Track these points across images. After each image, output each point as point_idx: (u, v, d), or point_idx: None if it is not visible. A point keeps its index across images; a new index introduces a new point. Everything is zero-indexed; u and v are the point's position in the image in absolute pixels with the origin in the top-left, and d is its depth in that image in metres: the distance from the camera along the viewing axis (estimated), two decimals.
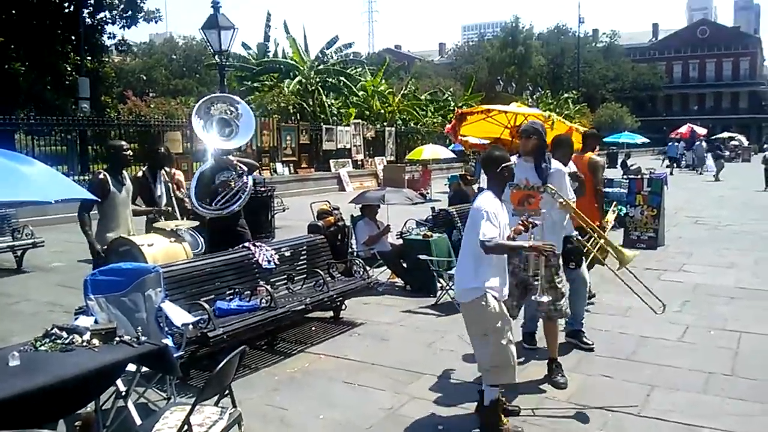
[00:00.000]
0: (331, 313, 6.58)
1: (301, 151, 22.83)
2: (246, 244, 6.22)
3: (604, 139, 30.91)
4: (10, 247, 9.48)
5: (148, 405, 4.25)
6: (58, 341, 3.38)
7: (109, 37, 27.22)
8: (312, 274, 6.42)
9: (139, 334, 3.62)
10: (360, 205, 8.72)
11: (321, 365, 5.28)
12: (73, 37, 24.35)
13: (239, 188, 6.58)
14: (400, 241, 8.46)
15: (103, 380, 3.38)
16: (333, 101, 27.90)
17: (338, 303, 6.49)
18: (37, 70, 23.05)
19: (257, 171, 11.81)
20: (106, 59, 28.66)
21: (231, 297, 5.50)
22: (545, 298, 4.51)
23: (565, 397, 4.56)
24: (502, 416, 3.97)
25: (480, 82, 48.00)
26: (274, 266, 6.08)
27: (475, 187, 12.35)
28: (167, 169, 6.69)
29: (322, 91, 26.67)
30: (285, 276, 6.25)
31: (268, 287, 5.66)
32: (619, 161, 30.02)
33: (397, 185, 17.00)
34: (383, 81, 31.58)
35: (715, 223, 13.42)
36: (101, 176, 5.72)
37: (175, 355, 3.96)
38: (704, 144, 33.19)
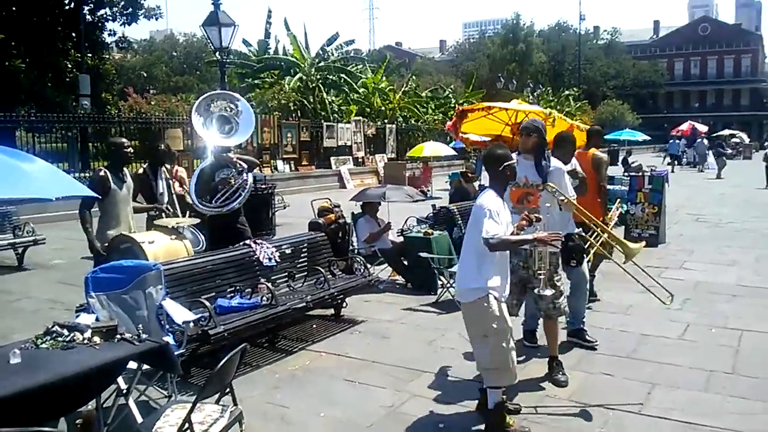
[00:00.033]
0: (332, 311, 6.58)
1: (302, 149, 22.83)
2: (247, 241, 6.22)
3: (605, 137, 30.86)
4: (11, 245, 9.49)
5: (149, 403, 4.24)
6: (59, 339, 3.38)
7: (109, 34, 27.29)
8: (313, 272, 6.42)
9: (140, 331, 3.61)
10: (361, 203, 8.71)
11: (322, 363, 5.28)
12: (73, 34, 24.36)
13: (239, 186, 6.59)
14: (401, 239, 8.45)
15: (104, 378, 3.38)
16: (334, 98, 27.90)
17: (339, 300, 6.49)
18: (37, 67, 23.06)
19: (257, 168, 11.83)
20: (107, 56, 28.69)
21: (232, 294, 5.50)
22: (548, 292, 4.52)
23: (566, 396, 4.56)
24: (508, 416, 3.96)
25: (481, 79, 47.97)
26: (275, 264, 6.08)
27: (476, 184, 12.33)
28: (167, 166, 6.69)
29: (322, 88, 26.66)
30: (286, 273, 6.25)
31: (269, 285, 5.66)
32: (620, 158, 29.98)
33: (397, 182, 16.95)
34: (384, 78, 31.56)
35: (717, 221, 13.41)
36: (102, 173, 5.72)
37: (176, 353, 3.95)
38: (706, 141, 33.15)
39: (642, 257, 7.45)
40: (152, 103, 20.75)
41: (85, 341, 3.39)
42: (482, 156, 4.30)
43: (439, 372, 5.03)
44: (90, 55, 24.32)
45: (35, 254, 9.78)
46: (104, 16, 26.07)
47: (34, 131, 16.54)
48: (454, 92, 38.76)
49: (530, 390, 4.63)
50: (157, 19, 27.88)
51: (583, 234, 5.48)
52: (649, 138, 41.86)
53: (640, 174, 11.90)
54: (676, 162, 33.04)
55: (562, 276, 4.89)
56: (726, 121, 61.08)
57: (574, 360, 5.21)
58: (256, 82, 27.20)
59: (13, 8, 22.59)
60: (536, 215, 4.15)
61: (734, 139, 43.38)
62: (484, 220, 3.78)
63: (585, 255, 5.53)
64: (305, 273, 6.47)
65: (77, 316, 4.13)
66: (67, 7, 24.38)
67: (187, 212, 7.02)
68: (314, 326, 6.26)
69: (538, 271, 4.34)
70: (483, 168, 4.86)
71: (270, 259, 6.04)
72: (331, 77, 27.36)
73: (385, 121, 28.80)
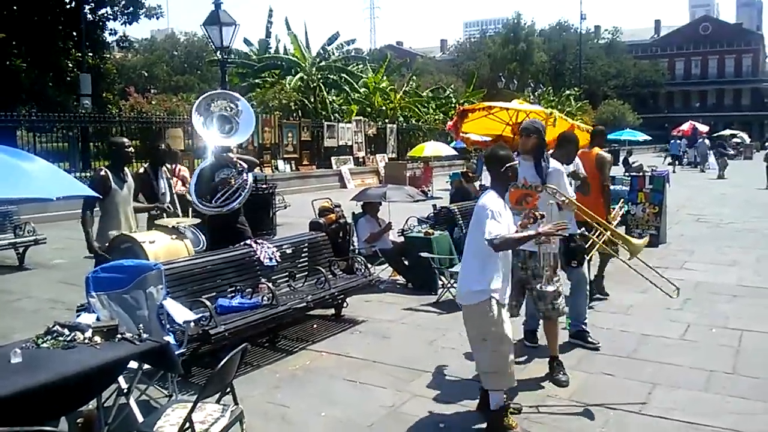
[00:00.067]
0: (332, 311, 6.58)
1: (303, 148, 22.83)
2: (248, 241, 6.22)
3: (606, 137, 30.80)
4: (12, 244, 9.49)
5: (150, 402, 4.24)
6: (60, 338, 3.38)
7: (110, 34, 27.31)
8: (313, 272, 6.42)
9: (141, 331, 3.62)
10: (361, 203, 8.71)
11: (322, 363, 5.29)
12: (74, 34, 24.37)
13: (239, 185, 6.59)
14: (402, 239, 8.46)
15: (104, 377, 3.38)
16: (334, 98, 27.90)
17: (340, 300, 6.49)
18: (38, 66, 23.07)
19: (257, 168, 11.83)
20: (108, 56, 28.70)
21: (232, 294, 5.50)
22: (551, 288, 4.51)
23: (566, 396, 4.56)
24: (511, 418, 3.96)
25: (482, 78, 47.94)
26: (275, 264, 6.08)
27: (477, 184, 12.33)
28: (168, 166, 6.69)
29: (323, 87, 26.67)
30: (286, 273, 6.26)
31: (270, 284, 5.67)
32: (621, 158, 29.97)
33: (398, 182, 16.94)
34: (385, 78, 31.55)
35: (717, 221, 13.40)
36: (102, 173, 5.73)
37: (176, 353, 3.96)
38: (707, 141, 33.12)
39: (643, 257, 7.48)
40: (153, 102, 20.75)
41: (86, 341, 3.39)
42: (484, 156, 4.29)
43: (439, 372, 5.03)
44: (91, 54, 24.33)
45: (36, 254, 9.78)
46: (105, 15, 26.10)
47: (35, 131, 16.55)
48: (455, 92, 38.75)
49: (531, 390, 4.63)
50: (158, 18, 27.89)
51: (586, 233, 5.49)
52: (649, 138, 41.82)
53: (641, 174, 11.89)
54: (677, 162, 33.02)
55: (560, 277, 4.89)
56: (727, 121, 61.05)
57: (575, 360, 5.21)
58: (256, 81, 27.19)
59: (14, 7, 22.60)
60: (540, 212, 4.14)
61: (735, 139, 43.34)
62: (486, 221, 3.76)
63: (586, 256, 5.53)
64: (306, 273, 6.47)
65: (78, 316, 4.13)
66: (68, 7, 24.40)
67: (189, 211, 7.02)
68: (315, 326, 6.26)
69: (545, 268, 4.32)
70: (484, 168, 4.87)
71: (271, 258, 6.04)
72: (331, 77, 27.37)
73: (386, 120, 28.80)
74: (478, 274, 3.90)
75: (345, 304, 6.64)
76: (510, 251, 4.07)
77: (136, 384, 3.90)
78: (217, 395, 3.43)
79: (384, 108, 29.91)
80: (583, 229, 5.55)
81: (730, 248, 10.21)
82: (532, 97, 40.11)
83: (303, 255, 6.60)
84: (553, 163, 4.90)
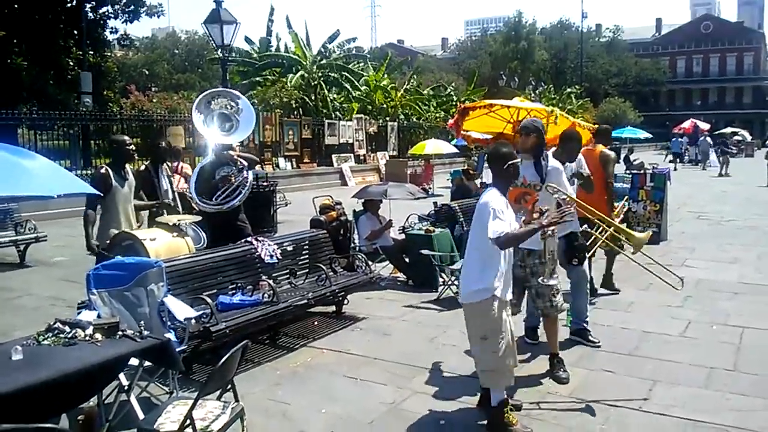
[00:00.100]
0: (333, 308, 6.59)
1: (304, 146, 22.83)
2: (248, 238, 6.23)
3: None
4: (13, 242, 9.50)
5: (151, 399, 4.26)
6: (61, 335, 3.39)
7: (111, 32, 27.36)
8: (314, 269, 6.43)
9: (142, 328, 3.63)
10: (362, 200, 8.71)
11: (323, 360, 5.29)
12: (75, 32, 24.38)
13: (239, 183, 6.59)
14: (403, 236, 8.46)
15: (105, 374, 3.39)
16: (335, 96, 27.90)
17: (340, 298, 6.50)
18: (39, 65, 23.08)
19: (258, 166, 11.82)
20: (109, 54, 28.74)
21: (233, 291, 5.51)
22: (553, 281, 4.51)
23: (567, 392, 4.56)
24: (512, 415, 3.96)
25: (483, 76, 47.93)
26: (276, 261, 6.09)
27: (478, 181, 12.32)
28: (169, 164, 6.69)
29: (324, 85, 26.66)
30: (287, 271, 6.26)
31: (271, 282, 5.67)
32: (622, 156, 29.94)
33: (399, 180, 16.95)
34: (386, 76, 31.53)
35: (718, 219, 13.39)
36: (103, 171, 5.74)
37: (177, 350, 3.97)
38: (709, 139, 33.08)
39: (645, 253, 7.49)
40: (154, 100, 20.77)
41: (87, 338, 3.40)
42: (487, 154, 4.29)
43: (440, 369, 5.04)
44: (92, 52, 24.34)
45: (37, 251, 9.79)
46: (106, 13, 26.12)
47: (36, 129, 16.56)
48: (455, 90, 38.71)
49: (532, 387, 4.63)
50: (158, 16, 27.96)
51: (589, 230, 5.49)
52: (650, 136, 41.79)
53: (642, 172, 11.88)
54: (678, 160, 32.98)
55: (558, 274, 4.89)
56: (728, 119, 60.95)
57: (576, 357, 5.21)
58: (258, 79, 27.19)
59: (15, 6, 22.61)
60: (543, 207, 4.13)
61: (736, 137, 43.24)
62: (489, 220, 3.74)
63: (587, 254, 5.54)
64: (307, 270, 6.48)
65: (79, 313, 4.14)
66: (68, 5, 24.41)
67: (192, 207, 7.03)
68: (315, 323, 6.26)
69: (549, 262, 4.32)
70: (485, 165, 4.87)
71: (272, 256, 6.05)
72: (332, 75, 27.35)
73: (387, 118, 28.79)
74: (480, 272, 3.89)
75: (346, 302, 6.65)
76: (511, 249, 4.06)
77: (137, 381, 3.91)
78: (218, 392, 3.43)
79: (385, 106, 29.90)
80: (586, 226, 5.57)
81: (731, 246, 10.20)
82: (533, 95, 40.05)
83: (304, 252, 6.60)
84: (552, 162, 4.91)
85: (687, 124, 37.73)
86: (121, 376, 3.77)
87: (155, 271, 4.55)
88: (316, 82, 26.25)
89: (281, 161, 21.60)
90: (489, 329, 3.89)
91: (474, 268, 3.96)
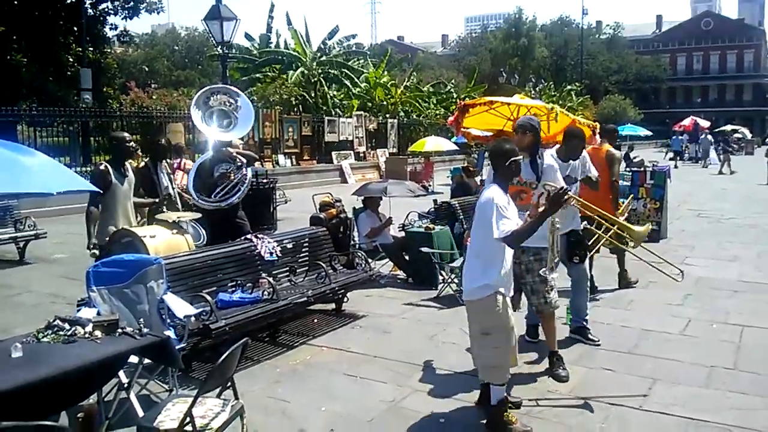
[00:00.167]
0: (333, 306, 6.59)
1: (303, 143, 22.80)
2: (248, 236, 6.22)
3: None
4: (13, 239, 9.49)
5: (151, 397, 4.26)
6: (61, 333, 3.38)
7: (111, 28, 27.24)
8: (314, 267, 6.42)
9: (142, 325, 3.62)
10: (362, 198, 8.71)
11: (323, 357, 5.29)
12: (75, 28, 24.33)
13: (239, 180, 6.59)
14: (403, 234, 8.46)
15: (105, 372, 3.39)
16: (335, 93, 27.87)
17: (340, 295, 6.49)
18: (39, 61, 23.04)
19: (258, 163, 11.82)
20: (109, 50, 28.68)
21: (233, 289, 5.50)
22: (555, 275, 4.51)
23: (566, 391, 4.56)
24: (511, 414, 3.96)
25: (483, 73, 47.89)
26: (276, 258, 6.08)
27: (478, 179, 12.32)
28: (169, 161, 6.69)
29: (324, 82, 26.62)
30: (287, 268, 6.26)
31: (270, 279, 5.67)
32: (623, 154, 29.87)
33: (399, 177, 16.94)
34: (386, 72, 31.49)
35: (718, 216, 13.39)
36: (103, 167, 5.73)
37: (177, 347, 3.96)
38: (710, 137, 33.06)
39: (644, 253, 7.50)
40: (154, 97, 20.73)
41: (87, 335, 3.40)
42: (489, 150, 4.26)
43: (440, 367, 5.03)
44: (91, 49, 24.28)
45: (36, 248, 9.79)
46: (106, 10, 26.05)
47: (36, 125, 16.53)
48: (456, 87, 38.67)
49: (531, 385, 4.63)
50: (158, 13, 27.84)
51: (589, 227, 5.49)
52: (651, 133, 41.74)
53: (642, 169, 11.88)
54: (678, 158, 32.95)
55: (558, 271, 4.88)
56: (728, 117, 60.84)
57: (575, 355, 5.21)
58: (257, 76, 27.16)
59: (15, 2, 22.56)
60: (549, 189, 4.12)
61: (736, 135, 43.20)
62: (494, 219, 3.70)
63: (588, 252, 5.53)
64: (306, 268, 6.47)
65: (78, 310, 4.14)
66: (68, 1, 24.34)
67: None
68: (315, 321, 6.26)
69: (555, 256, 4.32)
70: (485, 163, 4.88)
71: (271, 253, 6.05)
72: (332, 72, 27.32)
73: (387, 115, 28.75)
74: (483, 269, 3.88)
75: (345, 299, 6.64)
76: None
77: (136, 378, 3.91)
78: (218, 390, 3.43)
79: (385, 103, 29.86)
80: (585, 223, 5.56)
81: (731, 244, 10.20)
82: (533, 92, 40.11)
83: (303, 250, 6.60)
84: (548, 160, 4.91)
85: (687, 122, 37.68)
86: (121, 373, 3.77)
87: (155, 268, 4.55)
88: (315, 79, 26.22)
89: (281, 158, 21.58)
90: (492, 325, 3.89)
91: (476, 265, 3.95)
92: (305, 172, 21.99)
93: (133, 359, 3.71)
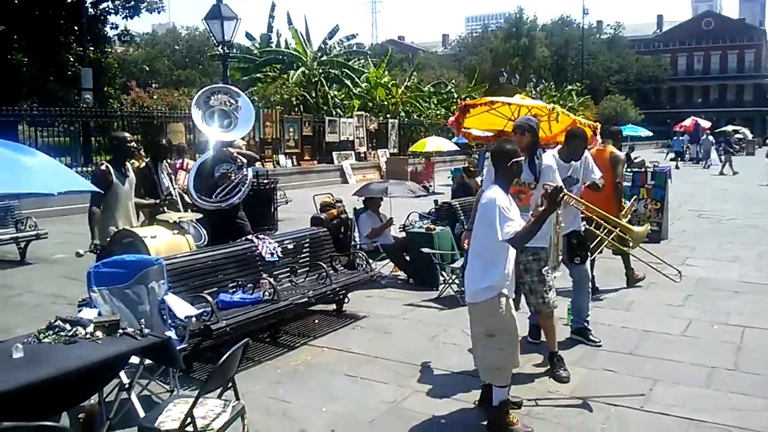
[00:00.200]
0: (333, 306, 6.58)
1: (304, 143, 22.80)
2: (249, 236, 6.22)
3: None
4: (14, 239, 9.50)
5: (152, 397, 4.26)
6: (62, 333, 3.38)
7: (111, 28, 27.29)
8: (315, 267, 6.42)
9: (143, 326, 3.62)
10: (363, 198, 8.71)
11: (324, 358, 5.29)
12: (75, 28, 24.34)
13: (239, 180, 6.59)
14: (403, 234, 8.45)
15: (106, 372, 3.39)
16: (336, 93, 27.87)
17: (341, 296, 6.49)
18: (40, 61, 23.05)
19: (258, 163, 11.83)
20: (109, 50, 28.70)
21: (234, 289, 5.50)
22: (558, 273, 4.51)
23: (567, 391, 4.56)
24: (512, 415, 3.96)
25: (483, 73, 47.85)
26: (277, 259, 6.08)
27: (479, 179, 12.30)
28: (169, 161, 6.69)
29: (325, 82, 26.63)
30: (288, 269, 6.26)
31: (271, 280, 5.67)
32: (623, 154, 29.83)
33: (400, 178, 16.96)
34: (386, 72, 31.49)
35: (719, 217, 13.38)
36: (103, 167, 5.73)
37: (178, 348, 3.96)
38: (711, 138, 33.04)
39: (645, 254, 7.51)
40: (155, 97, 20.75)
41: (88, 336, 3.40)
42: (491, 151, 4.25)
43: (441, 367, 5.03)
44: (92, 48, 24.30)
45: (37, 248, 9.79)
46: (106, 9, 26.08)
47: (37, 125, 16.54)
48: (456, 87, 38.67)
49: (532, 386, 4.63)
50: (159, 12, 27.87)
51: (591, 228, 5.49)
52: (651, 134, 41.72)
53: (643, 170, 11.87)
54: (679, 158, 32.94)
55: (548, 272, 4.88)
56: (729, 117, 60.79)
57: (576, 356, 5.21)
58: (258, 76, 27.18)
59: (15, 2, 22.57)
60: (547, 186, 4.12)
61: (737, 135, 43.16)
62: (497, 222, 3.69)
63: (589, 253, 5.54)
64: (307, 268, 6.47)
65: (80, 311, 4.14)
66: (69, 1, 24.35)
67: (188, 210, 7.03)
68: (316, 321, 6.26)
69: (560, 254, 4.31)
70: (485, 163, 4.88)
71: (272, 254, 6.05)
72: (333, 71, 27.33)
73: (388, 115, 28.75)
74: (484, 269, 3.88)
75: (346, 300, 6.64)
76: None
77: (137, 379, 3.91)
78: (219, 390, 3.43)
79: (385, 103, 29.86)
80: (584, 223, 5.56)
81: (732, 244, 10.19)
82: (534, 92, 40.10)
83: (304, 250, 6.60)
84: (546, 160, 4.91)
85: (688, 122, 37.68)
86: (122, 374, 3.76)
87: (156, 268, 4.55)
88: (316, 79, 26.22)
89: (282, 158, 21.58)
90: (496, 327, 3.88)
91: (478, 267, 3.94)
92: (306, 172, 21.99)
93: (134, 360, 3.71)
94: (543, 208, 3.81)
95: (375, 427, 4.11)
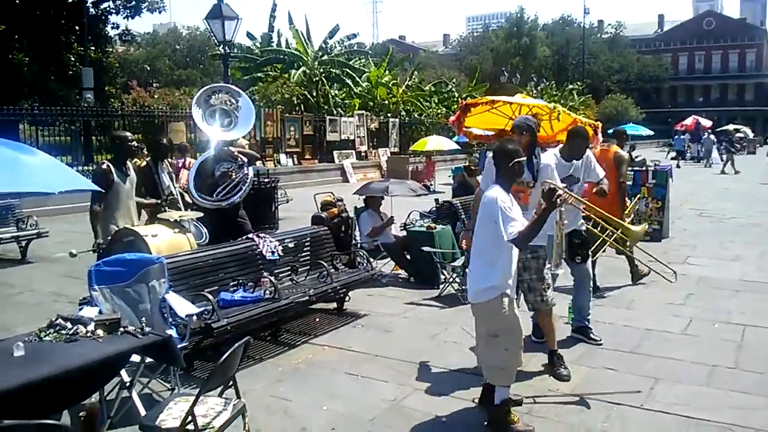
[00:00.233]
0: (334, 305, 6.59)
1: (305, 142, 22.80)
2: (250, 235, 6.22)
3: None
4: (15, 238, 9.51)
5: (152, 396, 4.26)
6: (63, 332, 3.39)
7: (112, 27, 27.28)
8: (316, 266, 6.43)
9: (143, 324, 3.63)
10: (364, 197, 8.71)
11: (324, 356, 5.29)
12: (76, 28, 24.34)
13: (240, 180, 6.60)
14: (404, 233, 8.45)
15: (107, 371, 3.39)
16: (337, 92, 27.87)
17: (342, 294, 6.49)
18: (40, 60, 23.06)
19: (259, 162, 11.83)
20: (110, 49, 28.69)
21: (235, 288, 5.51)
22: (560, 271, 4.51)
23: (568, 390, 4.56)
24: (513, 413, 3.96)
25: (484, 73, 47.86)
26: (277, 257, 6.08)
27: (479, 178, 12.29)
28: (170, 160, 6.70)
29: (326, 82, 26.63)
30: (289, 267, 6.26)
31: (272, 278, 5.67)
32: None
33: (400, 177, 16.94)
34: (387, 72, 31.48)
35: (720, 216, 13.37)
36: (105, 167, 5.73)
37: (179, 346, 3.97)
38: (712, 137, 33.02)
39: (640, 254, 7.51)
40: (155, 96, 20.74)
41: (89, 334, 3.40)
42: (493, 151, 4.25)
43: (441, 366, 5.03)
44: (93, 48, 24.31)
45: (38, 247, 9.80)
46: (107, 9, 26.08)
47: (38, 124, 16.55)
48: (457, 86, 38.66)
49: (533, 384, 4.63)
50: (160, 12, 27.86)
51: (592, 228, 5.49)
52: (652, 133, 41.68)
53: (644, 169, 11.87)
54: (680, 157, 32.92)
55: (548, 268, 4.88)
56: (730, 116, 60.75)
57: (577, 354, 5.21)
58: (259, 75, 27.18)
59: (17, 1, 22.59)
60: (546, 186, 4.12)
61: (738, 134, 43.11)
62: (501, 223, 3.68)
63: (590, 252, 5.53)
64: (308, 267, 6.48)
65: (80, 309, 4.15)
66: (70, 1, 24.36)
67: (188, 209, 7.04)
68: (317, 320, 6.26)
69: (563, 252, 4.30)
70: (486, 162, 4.87)
71: (273, 252, 6.05)
72: (334, 71, 27.33)
73: (388, 115, 28.75)
74: (485, 269, 3.87)
75: (347, 298, 6.64)
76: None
77: (138, 377, 3.91)
78: (220, 389, 3.43)
79: (386, 102, 29.85)
80: (583, 222, 5.56)
81: (733, 243, 10.18)
82: (534, 91, 40.00)
83: (305, 249, 6.60)
84: (545, 159, 4.91)
85: (689, 121, 37.62)
86: (123, 372, 3.77)
87: (157, 267, 4.55)
88: (317, 78, 26.22)
89: (282, 157, 21.58)
90: (500, 327, 3.87)
91: (480, 267, 3.93)
92: (307, 171, 21.99)
93: (135, 358, 3.71)
94: (543, 207, 3.81)
95: (375, 425, 4.11)
